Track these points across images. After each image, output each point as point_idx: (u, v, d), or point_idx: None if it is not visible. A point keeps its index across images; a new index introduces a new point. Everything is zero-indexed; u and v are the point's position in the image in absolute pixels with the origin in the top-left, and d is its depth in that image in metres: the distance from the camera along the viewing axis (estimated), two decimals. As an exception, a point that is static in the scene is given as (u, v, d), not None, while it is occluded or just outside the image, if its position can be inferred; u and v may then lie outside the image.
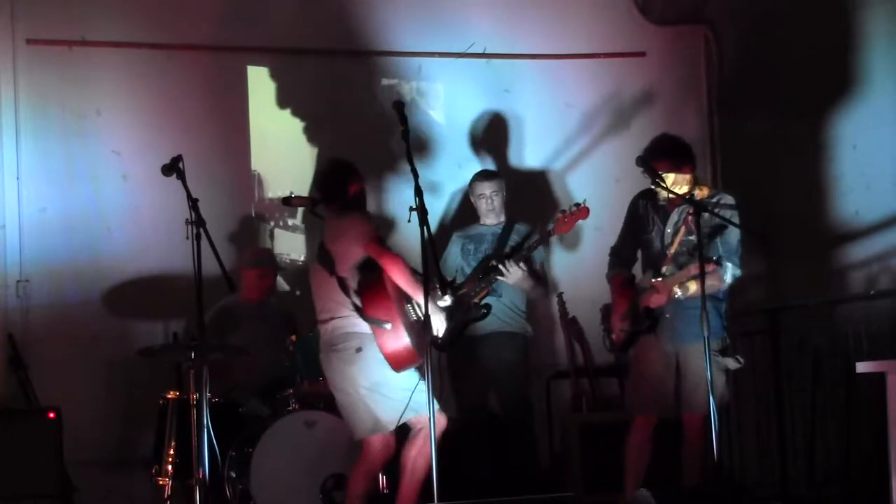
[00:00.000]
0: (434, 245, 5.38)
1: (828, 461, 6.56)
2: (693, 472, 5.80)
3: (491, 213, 6.79)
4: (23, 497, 5.98)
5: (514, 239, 6.73)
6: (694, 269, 5.53)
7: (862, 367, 5.03)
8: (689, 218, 5.64)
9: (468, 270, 6.76)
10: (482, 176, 6.83)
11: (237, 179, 7.17)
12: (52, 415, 6.08)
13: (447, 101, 7.51)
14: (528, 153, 7.58)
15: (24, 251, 6.80)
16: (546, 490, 6.67)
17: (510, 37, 7.55)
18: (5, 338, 6.67)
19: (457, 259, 6.84)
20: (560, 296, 7.06)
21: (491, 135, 7.53)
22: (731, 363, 5.72)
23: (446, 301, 6.48)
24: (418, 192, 5.33)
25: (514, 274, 6.42)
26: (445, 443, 5.42)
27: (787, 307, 6.87)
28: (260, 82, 7.29)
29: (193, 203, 5.44)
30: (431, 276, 5.38)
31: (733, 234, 5.73)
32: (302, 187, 6.54)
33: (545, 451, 7.13)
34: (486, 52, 7.48)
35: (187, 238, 5.42)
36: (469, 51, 7.45)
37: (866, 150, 6.50)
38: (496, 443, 6.76)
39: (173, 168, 5.49)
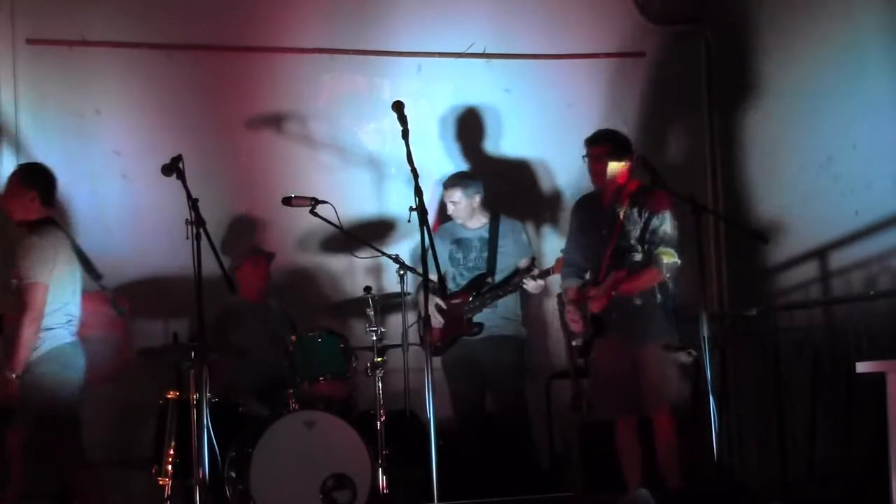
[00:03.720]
0: (434, 245, 5.39)
1: (828, 461, 6.56)
2: (671, 471, 5.82)
3: (470, 218, 6.79)
4: (23, 497, 5.98)
5: (505, 244, 6.71)
6: (617, 275, 5.76)
7: (862, 367, 5.04)
8: (622, 216, 5.82)
9: (460, 280, 6.77)
10: (449, 183, 6.84)
11: (236, 179, 7.17)
12: (52, 415, 6.07)
13: (447, 101, 7.50)
14: (527, 152, 7.58)
15: (24, 251, 6.79)
16: (546, 490, 6.68)
17: (510, 37, 7.55)
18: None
19: (445, 264, 6.82)
20: (560, 296, 7.06)
21: (467, 129, 7.52)
22: (683, 357, 5.84)
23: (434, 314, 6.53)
24: (418, 192, 5.35)
25: (536, 286, 6.52)
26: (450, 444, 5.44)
27: (787, 307, 6.87)
28: (258, 82, 7.28)
29: (193, 203, 5.45)
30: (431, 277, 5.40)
31: (666, 224, 5.82)
32: (300, 188, 6.54)
33: (545, 451, 7.13)
34: (486, 52, 7.48)
35: (187, 238, 5.43)
36: (469, 51, 7.45)
37: (866, 150, 6.50)
38: (494, 443, 6.77)
39: (173, 168, 5.51)
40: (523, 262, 6.72)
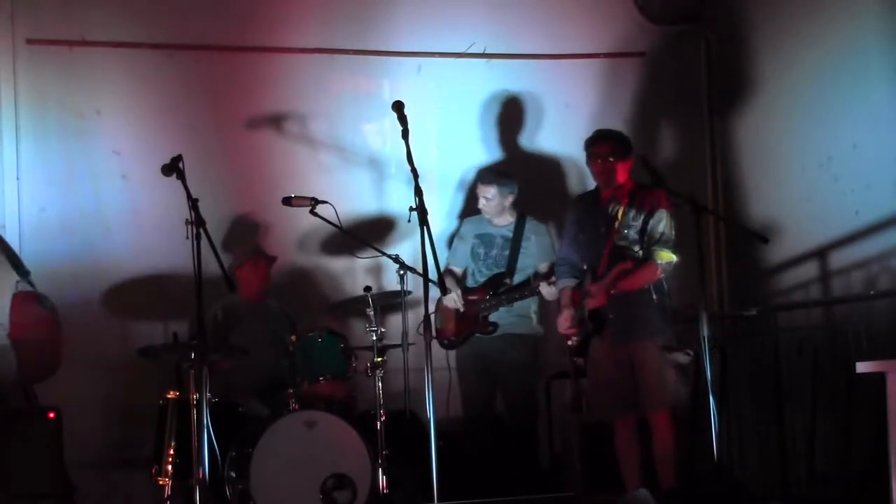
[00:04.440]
0: (434, 245, 5.39)
1: (828, 461, 6.56)
2: (666, 473, 5.83)
3: (499, 215, 6.80)
4: (23, 497, 5.98)
5: (527, 246, 6.72)
6: (620, 266, 5.76)
7: (862, 367, 5.04)
8: (619, 214, 5.85)
9: (479, 277, 6.78)
10: (486, 179, 6.83)
11: (236, 179, 7.17)
12: (52, 415, 6.07)
13: (447, 101, 7.50)
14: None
15: (24, 251, 6.77)
16: (546, 490, 6.68)
17: (510, 37, 7.55)
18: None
19: (466, 258, 6.85)
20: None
21: (506, 118, 7.52)
22: (681, 357, 5.83)
23: (457, 303, 6.55)
24: (418, 192, 5.37)
25: (552, 292, 6.45)
26: (450, 444, 5.44)
27: (787, 307, 6.87)
28: (258, 82, 7.28)
29: (193, 203, 5.46)
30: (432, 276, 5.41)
31: (661, 223, 5.84)
32: (300, 188, 6.55)
33: (545, 451, 7.13)
34: (486, 52, 7.48)
35: (187, 238, 5.44)
36: (469, 51, 7.45)
37: (866, 150, 6.50)
38: (501, 443, 6.77)
39: (173, 168, 5.51)
40: (543, 267, 6.71)
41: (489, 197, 6.76)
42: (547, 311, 6.93)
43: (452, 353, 6.86)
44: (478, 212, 6.93)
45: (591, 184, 6.33)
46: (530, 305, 6.77)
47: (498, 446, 6.76)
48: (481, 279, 6.78)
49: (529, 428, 6.78)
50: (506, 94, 7.53)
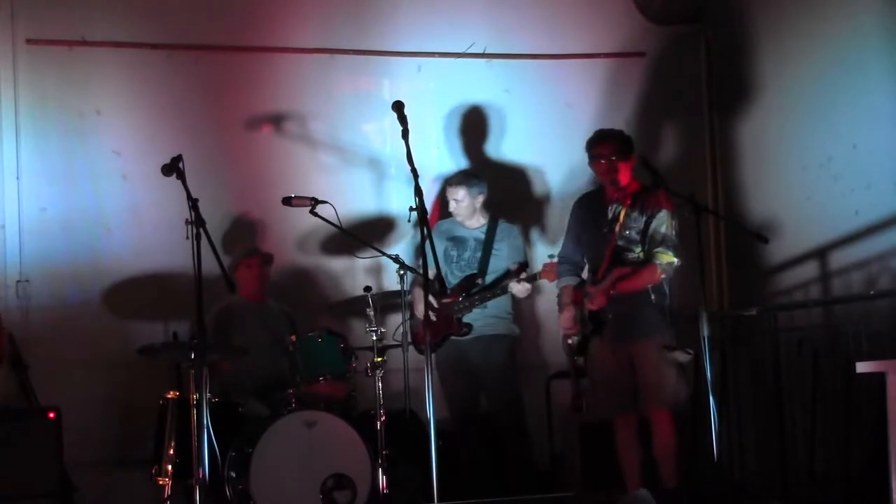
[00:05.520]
0: (434, 245, 5.39)
1: (828, 461, 6.56)
2: (668, 472, 5.83)
3: (470, 217, 6.79)
4: (23, 497, 5.98)
5: (500, 248, 6.71)
6: (618, 272, 5.77)
7: (862, 367, 5.03)
8: (622, 215, 5.84)
9: (451, 279, 6.76)
10: (454, 181, 6.83)
11: (236, 179, 7.17)
12: (52, 415, 6.08)
13: (447, 101, 7.50)
14: (527, 152, 7.58)
15: (24, 251, 6.80)
16: (546, 490, 6.68)
17: (510, 37, 7.55)
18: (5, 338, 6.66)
19: (440, 261, 6.82)
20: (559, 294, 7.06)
21: (472, 128, 7.51)
22: (681, 356, 5.83)
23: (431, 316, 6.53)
24: (418, 192, 5.38)
25: (523, 290, 6.49)
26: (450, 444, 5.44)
27: (787, 307, 6.88)
28: (258, 82, 7.28)
29: (193, 203, 5.46)
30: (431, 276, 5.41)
31: (663, 225, 5.83)
32: (300, 188, 6.55)
33: (545, 451, 7.13)
34: (486, 52, 7.48)
35: (187, 238, 5.44)
36: (469, 51, 7.45)
37: (866, 150, 6.50)
38: (491, 444, 6.77)
39: (173, 168, 5.51)
40: (513, 266, 6.70)
41: (459, 199, 6.76)
42: (521, 311, 6.93)
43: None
44: (449, 215, 6.92)
45: (572, 188, 6.34)
46: (505, 306, 6.76)
47: (488, 446, 6.76)
48: (454, 281, 6.77)
49: (518, 427, 6.77)
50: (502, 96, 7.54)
